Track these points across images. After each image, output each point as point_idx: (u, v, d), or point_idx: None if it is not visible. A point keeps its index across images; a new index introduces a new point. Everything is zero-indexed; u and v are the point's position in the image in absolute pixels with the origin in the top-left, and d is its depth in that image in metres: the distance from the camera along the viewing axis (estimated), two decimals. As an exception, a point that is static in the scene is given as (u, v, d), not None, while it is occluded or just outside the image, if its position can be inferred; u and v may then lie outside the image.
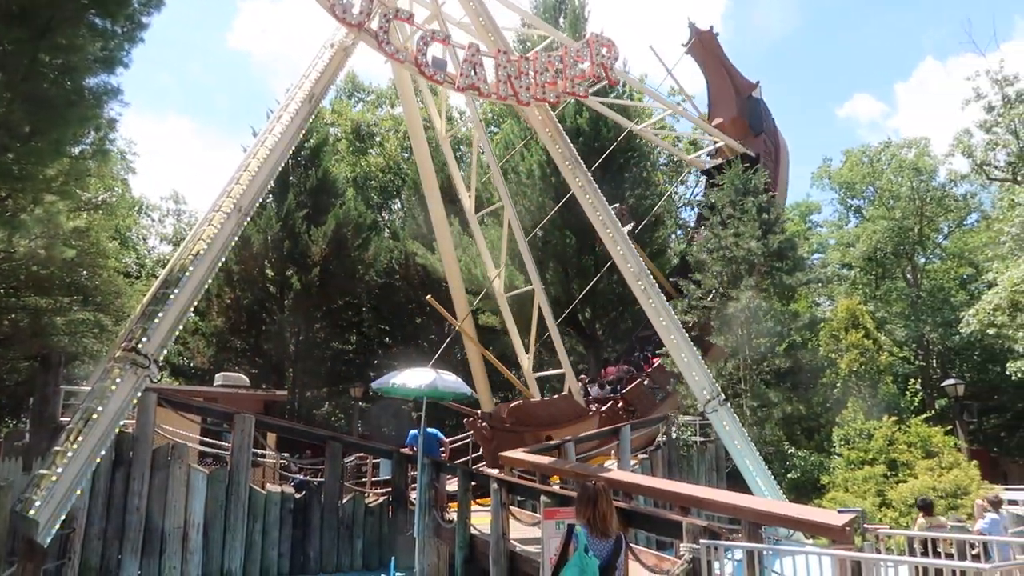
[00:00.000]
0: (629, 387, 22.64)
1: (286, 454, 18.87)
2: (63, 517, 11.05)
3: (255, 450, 15.09)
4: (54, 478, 10.89)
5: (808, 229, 49.03)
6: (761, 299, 22.57)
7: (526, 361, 23.57)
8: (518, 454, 15.72)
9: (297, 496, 15.01)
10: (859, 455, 19.82)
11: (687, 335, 19.16)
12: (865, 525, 11.41)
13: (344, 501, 15.37)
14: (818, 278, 27.45)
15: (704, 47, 30.54)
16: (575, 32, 31.69)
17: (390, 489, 16.07)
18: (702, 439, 20.81)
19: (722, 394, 18.54)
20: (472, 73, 18.47)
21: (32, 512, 10.46)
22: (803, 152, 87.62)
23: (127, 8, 11.80)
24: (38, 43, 10.77)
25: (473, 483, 13.03)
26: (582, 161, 20.55)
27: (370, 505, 15.67)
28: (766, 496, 16.70)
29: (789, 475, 20.59)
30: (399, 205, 44.95)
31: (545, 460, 14.63)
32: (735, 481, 18.52)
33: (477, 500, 13.16)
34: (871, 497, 18.20)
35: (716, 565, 7.85)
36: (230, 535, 13.76)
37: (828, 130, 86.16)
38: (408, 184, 38.71)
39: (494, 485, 11.69)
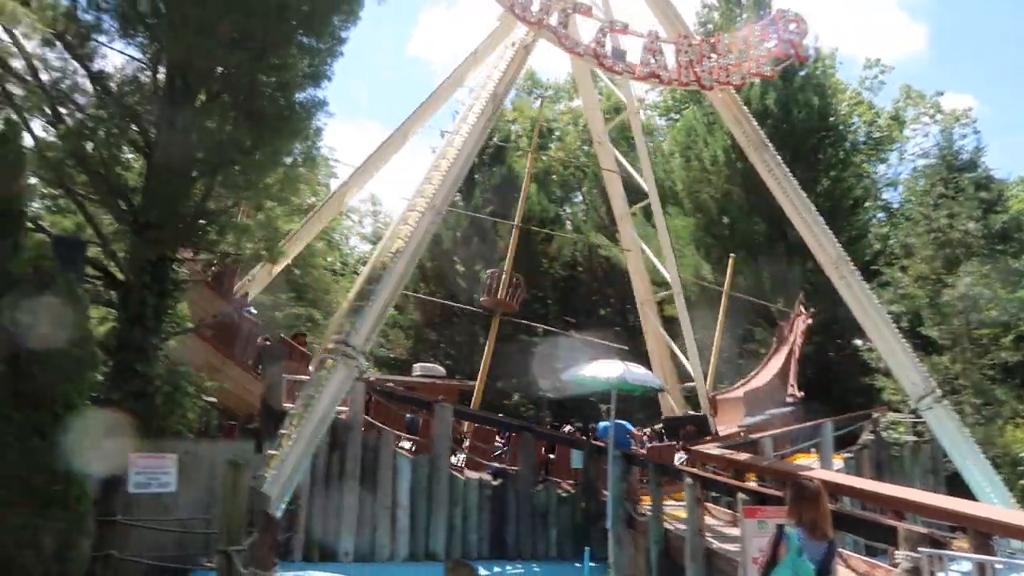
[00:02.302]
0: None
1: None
2: (289, 495, 12.19)
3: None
4: (281, 458, 12.06)
5: (1038, 206, 43.61)
6: (982, 285, 20.45)
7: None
8: (711, 449, 15.37)
9: (494, 483, 15.55)
10: (1111, 461, 17.46)
11: (894, 326, 17.79)
12: (1122, 541, 10.02)
13: (538, 490, 15.72)
14: (1052, 261, 24.34)
15: (791, 328, 24.35)
16: (759, 9, 30.29)
17: (581, 480, 16.20)
18: (915, 438, 19.23)
19: (937, 390, 17.00)
20: (652, 61, 18.17)
21: (264, 488, 11.64)
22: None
23: (329, 26, 12.79)
24: (256, 64, 11.96)
25: (667, 477, 12.90)
26: (770, 144, 19.59)
27: (563, 495, 15.92)
28: (995, 503, 15.12)
29: (1021, 482, 18.51)
30: (580, 198, 45.14)
31: (741, 456, 14.18)
32: (955, 486, 16.96)
33: (672, 496, 13.05)
34: None
35: (940, 576, 7.25)
36: (434, 517, 14.51)
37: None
38: (589, 177, 38.79)
39: (688, 480, 11.51)
